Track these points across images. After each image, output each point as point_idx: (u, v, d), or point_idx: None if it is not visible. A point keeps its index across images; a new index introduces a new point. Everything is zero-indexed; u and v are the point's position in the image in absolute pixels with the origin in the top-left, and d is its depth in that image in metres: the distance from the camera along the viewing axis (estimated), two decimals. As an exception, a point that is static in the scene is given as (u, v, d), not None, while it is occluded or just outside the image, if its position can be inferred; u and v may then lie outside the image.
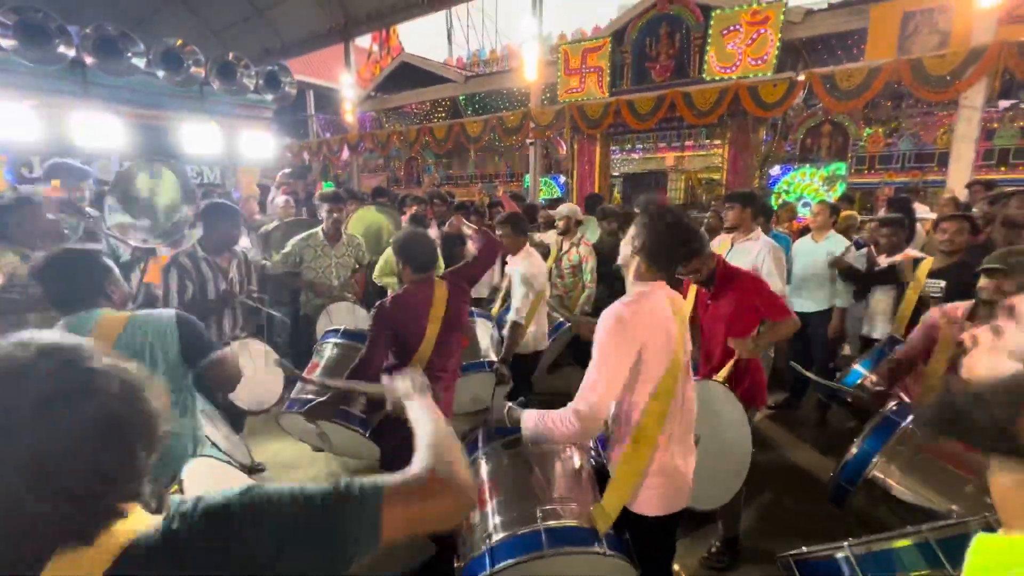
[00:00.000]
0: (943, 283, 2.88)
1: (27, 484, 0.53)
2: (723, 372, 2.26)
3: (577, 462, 1.67)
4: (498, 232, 3.20)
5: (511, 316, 3.16)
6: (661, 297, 1.53)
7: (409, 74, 11.41)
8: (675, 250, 1.52)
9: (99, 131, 4.28)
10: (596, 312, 4.12)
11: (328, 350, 2.70)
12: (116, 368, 0.62)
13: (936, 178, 6.81)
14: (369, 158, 13.21)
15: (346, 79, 10.98)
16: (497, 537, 1.43)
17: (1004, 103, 6.79)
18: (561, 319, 3.63)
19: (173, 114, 4.70)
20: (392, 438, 2.32)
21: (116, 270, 1.74)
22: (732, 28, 7.01)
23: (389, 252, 3.79)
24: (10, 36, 3.68)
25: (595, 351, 1.46)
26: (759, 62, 6.89)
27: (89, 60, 4.05)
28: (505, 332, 3.20)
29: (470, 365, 3.00)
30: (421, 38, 14.41)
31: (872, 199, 6.75)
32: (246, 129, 5.08)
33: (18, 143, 4.09)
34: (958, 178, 5.67)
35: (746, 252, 3.06)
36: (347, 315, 3.54)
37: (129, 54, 4.16)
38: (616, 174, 10.19)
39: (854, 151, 7.46)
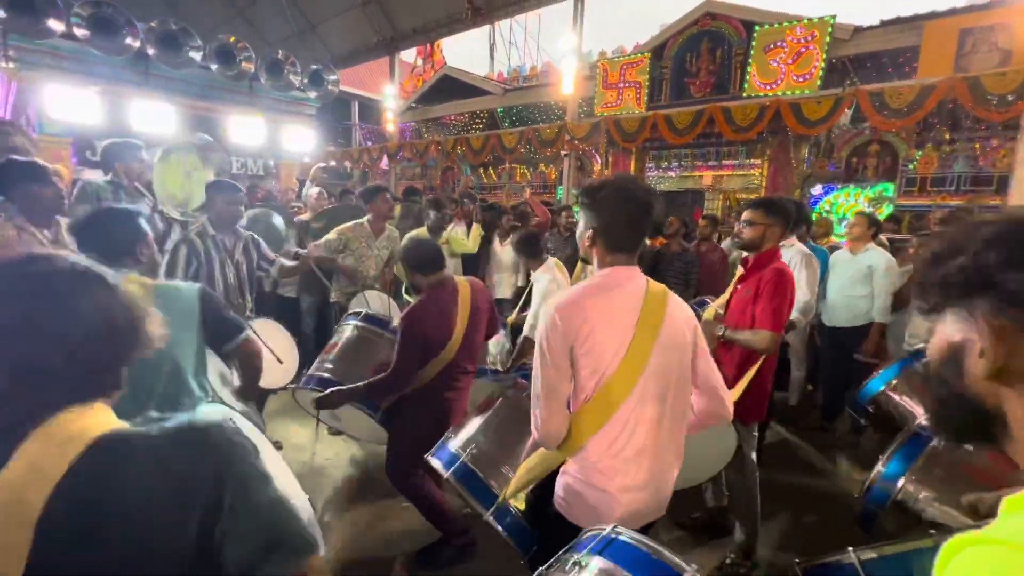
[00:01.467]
0: None
1: (55, 347, 0.65)
2: (742, 383, 2.13)
3: None
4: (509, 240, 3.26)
5: (524, 330, 3.13)
6: (623, 284, 1.32)
7: (450, 87, 11.74)
8: (633, 226, 1.33)
9: (155, 118, 4.57)
10: None
11: (348, 331, 2.72)
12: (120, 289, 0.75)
13: (993, 202, 6.40)
14: (407, 166, 13.58)
15: (389, 90, 11.39)
16: (450, 441, 1.75)
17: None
18: None
19: (222, 107, 4.99)
20: (400, 421, 2.34)
21: (151, 234, 1.73)
22: (776, 44, 6.90)
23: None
24: (84, 27, 4.00)
25: (533, 362, 1.32)
26: (803, 79, 6.73)
27: (152, 52, 4.36)
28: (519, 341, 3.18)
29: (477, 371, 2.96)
30: (465, 52, 14.87)
31: (922, 222, 6.39)
32: (289, 124, 5.33)
33: (83, 127, 4.40)
34: (1020, 202, 5.31)
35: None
36: (379, 304, 3.58)
37: (187, 48, 4.46)
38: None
39: (904, 172, 7.11)
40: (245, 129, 5.02)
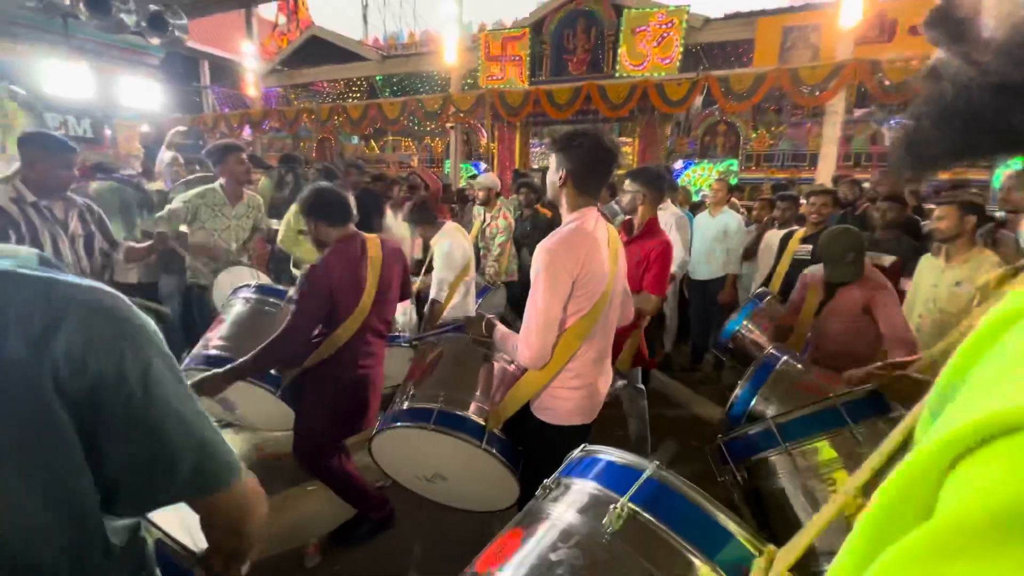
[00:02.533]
0: (810, 247, 3.35)
1: None
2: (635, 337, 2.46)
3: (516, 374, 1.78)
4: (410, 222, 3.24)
5: (432, 293, 3.09)
6: (593, 223, 1.54)
7: (320, 50, 10.74)
8: (601, 170, 1.54)
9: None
10: (524, 277, 4.17)
11: (238, 305, 2.40)
12: None
13: (807, 176, 7.82)
14: (276, 137, 12.27)
15: (248, 48, 10.08)
16: (405, 404, 1.73)
17: (859, 112, 7.98)
18: (485, 284, 3.64)
19: (28, 47, 3.94)
20: (314, 395, 2.11)
21: None
22: (642, 28, 7.50)
23: (291, 213, 3.51)
24: None
25: (532, 288, 1.47)
26: (666, 61, 7.43)
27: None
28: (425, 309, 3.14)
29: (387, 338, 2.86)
30: (332, 14, 13.66)
31: (757, 193, 7.62)
32: (125, 76, 4.41)
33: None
34: (825, 176, 6.53)
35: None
36: (249, 280, 3.21)
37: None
38: (536, 167, 10.44)
39: (744, 150, 8.34)
40: (64, 78, 4.02)
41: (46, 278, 0.54)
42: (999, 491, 0.19)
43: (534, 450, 1.64)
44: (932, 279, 2.57)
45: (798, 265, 3.32)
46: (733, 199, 5.53)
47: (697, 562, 0.79)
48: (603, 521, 0.84)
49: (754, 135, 8.31)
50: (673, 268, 2.95)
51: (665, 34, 7.36)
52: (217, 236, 3.18)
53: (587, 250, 1.46)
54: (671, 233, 3.25)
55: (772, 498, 1.42)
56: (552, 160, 1.56)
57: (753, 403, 2.04)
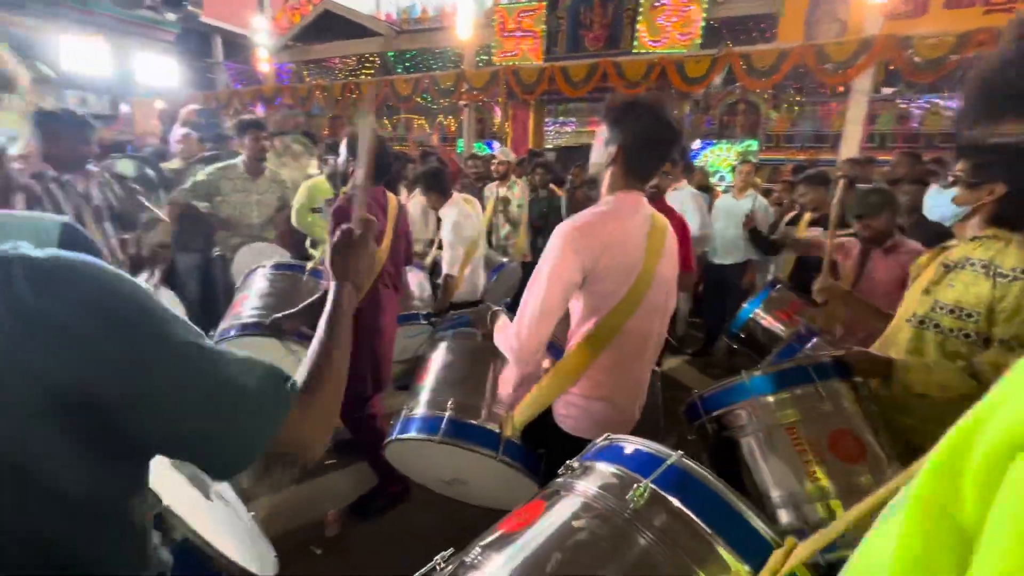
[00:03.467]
0: (820, 230, 3.30)
1: None
2: None
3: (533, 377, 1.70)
4: (419, 190, 3.22)
5: (444, 267, 3.10)
6: (634, 211, 1.33)
7: (332, 24, 10.59)
8: (658, 150, 1.32)
9: (-56, 36, 3.51)
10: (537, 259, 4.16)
11: (258, 281, 2.43)
12: None
13: (828, 157, 7.61)
14: (288, 115, 12.20)
15: (260, 23, 9.98)
16: (415, 411, 1.59)
17: (887, 90, 7.71)
18: (502, 260, 3.63)
19: (44, 23, 3.94)
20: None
21: None
22: (661, 2, 7.26)
23: (311, 186, 3.54)
24: None
25: (535, 272, 1.30)
26: (685, 37, 7.21)
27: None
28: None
29: (405, 316, 2.90)
30: (346, -12, 13.36)
31: (777, 175, 7.45)
32: (142, 52, 4.41)
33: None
34: (848, 156, 6.38)
35: (672, 201, 3.29)
36: (270, 257, 3.26)
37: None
38: (550, 146, 10.29)
39: (764, 129, 8.12)
40: (82, 55, 4.03)
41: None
42: None
43: (556, 458, 1.53)
44: None
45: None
46: (757, 180, 5.43)
47: (719, 547, 0.80)
48: (627, 497, 0.85)
49: (774, 114, 8.09)
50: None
51: (686, 8, 7.12)
52: (240, 210, 3.25)
53: (609, 241, 1.26)
54: (688, 209, 3.28)
55: (737, 449, 1.45)
56: (603, 132, 1.34)
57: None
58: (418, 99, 8.62)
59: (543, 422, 1.46)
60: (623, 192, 1.33)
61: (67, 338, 0.50)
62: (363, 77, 10.34)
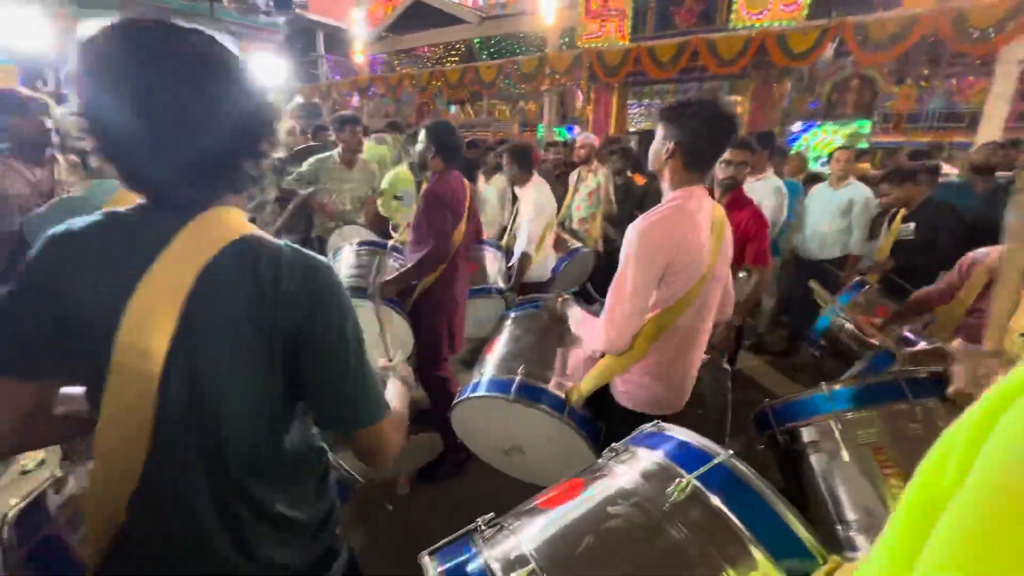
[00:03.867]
0: (913, 225, 2.98)
1: (180, 134, 0.67)
2: None
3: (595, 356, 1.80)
4: (504, 163, 3.26)
5: (520, 245, 3.17)
6: (698, 204, 1.39)
7: (422, 13, 10.96)
8: (716, 143, 1.38)
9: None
10: (608, 247, 4.02)
11: (346, 254, 2.72)
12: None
13: (962, 139, 6.59)
14: (380, 103, 12.92)
15: (356, 16, 10.59)
16: (486, 375, 1.70)
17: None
18: (576, 246, 3.64)
19: None
20: (427, 316, 2.48)
21: None
22: (765, -29, 6.65)
23: (394, 176, 3.78)
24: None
25: (620, 268, 1.38)
26: (791, 8, 6.56)
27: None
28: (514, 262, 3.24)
29: (478, 290, 3.03)
30: (436, -23, 13.69)
31: (891, 160, 6.57)
32: (256, 54, 4.96)
33: (29, 54, 4.01)
34: (988, 138, 5.48)
35: (753, 191, 3.08)
36: (359, 238, 3.56)
37: (137, -36, 4.03)
38: (633, 130, 9.92)
39: (881, 108, 7.19)
40: None
41: (282, 246, 0.75)
42: None
43: (613, 433, 1.61)
44: None
45: (901, 248, 3.00)
46: (863, 166, 4.88)
47: (758, 554, 0.77)
48: (667, 490, 0.85)
49: (896, 90, 7.11)
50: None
51: (792, -25, 6.47)
52: (335, 197, 3.60)
53: (682, 240, 1.33)
54: (766, 201, 3.07)
55: (808, 465, 1.37)
56: (659, 130, 1.41)
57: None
58: (500, 84, 8.70)
59: (603, 397, 1.57)
60: (686, 187, 1.39)
61: (293, 307, 0.72)
62: (449, 65, 10.62)
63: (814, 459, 1.36)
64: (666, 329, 1.42)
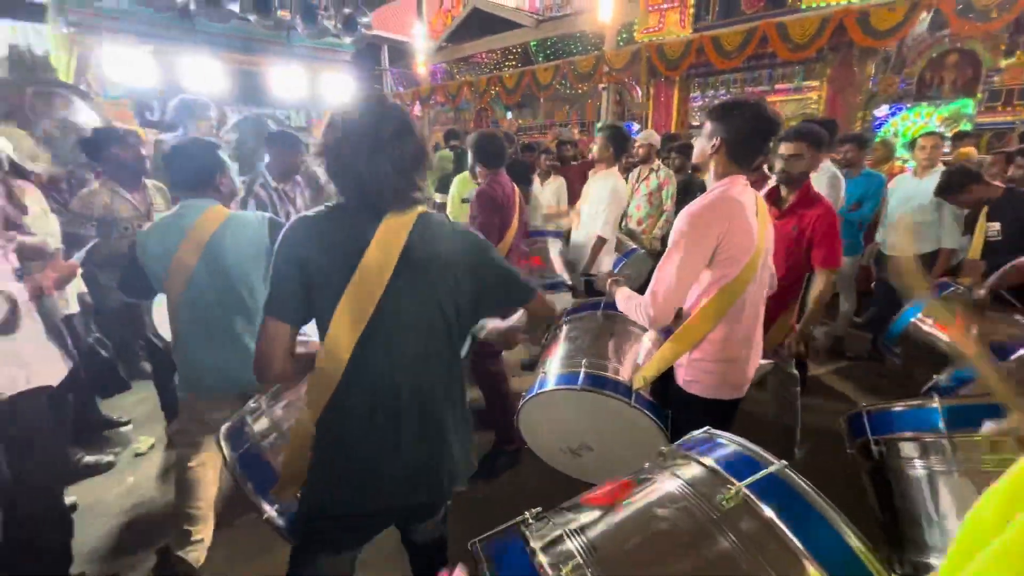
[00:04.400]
0: (998, 225, 2.65)
1: (392, 168, 1.06)
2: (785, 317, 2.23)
3: (651, 340, 1.87)
4: (597, 139, 3.34)
5: (598, 230, 3.18)
6: (742, 192, 1.49)
7: (481, 21, 11.22)
8: (759, 141, 1.49)
9: (204, 75, 4.72)
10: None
11: None
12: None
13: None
14: (440, 111, 13.36)
15: (418, 30, 11.03)
16: (551, 372, 1.79)
17: None
18: (632, 247, 3.60)
19: (264, 59, 5.05)
20: None
21: (228, 165, 1.80)
22: (842, -56, 6.14)
23: (460, 181, 3.89)
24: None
25: (669, 247, 1.47)
26: (873, -18, 6.00)
27: (192, 6, 4.43)
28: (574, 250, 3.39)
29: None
30: (494, -16, 13.93)
31: (1001, 142, 5.80)
32: (326, 73, 5.36)
33: (140, 88, 4.60)
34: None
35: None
36: None
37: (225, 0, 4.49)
38: (696, 124, 9.53)
39: (987, 85, 6.38)
40: (286, 81, 5.10)
41: (456, 224, 1.19)
42: None
43: (679, 419, 1.64)
44: None
45: (990, 249, 2.65)
46: (967, 150, 4.41)
47: (813, 570, 0.75)
48: (717, 497, 0.84)
49: (1004, 64, 6.28)
50: None
51: (876, -55, 5.91)
52: None
53: (732, 214, 1.44)
54: (821, 189, 2.84)
55: (907, 483, 1.26)
56: (706, 127, 1.53)
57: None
58: (557, 86, 8.69)
59: (667, 387, 1.65)
60: (730, 176, 1.50)
61: (459, 251, 1.14)
62: (506, 70, 10.77)
63: (917, 478, 1.26)
64: (726, 310, 1.48)
